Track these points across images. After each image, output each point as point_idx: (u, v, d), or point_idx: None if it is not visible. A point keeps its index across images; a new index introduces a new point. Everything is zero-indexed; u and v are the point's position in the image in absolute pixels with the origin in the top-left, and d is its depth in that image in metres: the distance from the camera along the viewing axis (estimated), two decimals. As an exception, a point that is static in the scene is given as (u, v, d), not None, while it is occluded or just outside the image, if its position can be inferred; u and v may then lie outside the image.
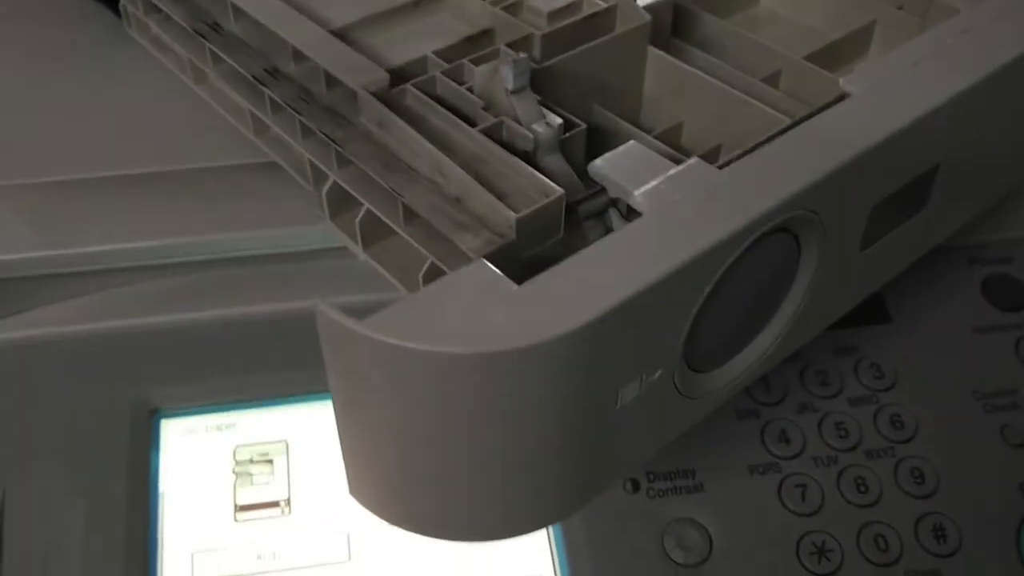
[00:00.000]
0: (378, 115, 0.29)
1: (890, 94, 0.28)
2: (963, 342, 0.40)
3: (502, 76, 0.29)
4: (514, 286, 0.21)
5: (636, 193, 0.25)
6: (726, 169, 0.25)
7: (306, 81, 0.32)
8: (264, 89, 0.32)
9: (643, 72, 0.35)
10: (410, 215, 0.28)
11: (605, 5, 0.35)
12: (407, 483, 0.24)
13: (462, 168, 0.27)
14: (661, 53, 0.34)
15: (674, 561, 0.34)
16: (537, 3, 0.35)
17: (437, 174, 0.28)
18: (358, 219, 0.31)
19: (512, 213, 0.25)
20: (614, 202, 0.29)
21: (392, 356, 0.20)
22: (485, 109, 0.30)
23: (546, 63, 0.32)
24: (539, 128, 0.29)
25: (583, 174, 0.29)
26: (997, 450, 0.37)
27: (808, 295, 0.29)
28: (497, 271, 0.21)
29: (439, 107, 0.29)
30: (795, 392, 0.38)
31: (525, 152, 0.29)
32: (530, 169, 0.27)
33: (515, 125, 0.29)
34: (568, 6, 0.35)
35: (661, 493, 0.35)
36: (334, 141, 0.29)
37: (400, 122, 0.29)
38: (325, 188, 0.32)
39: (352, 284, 0.34)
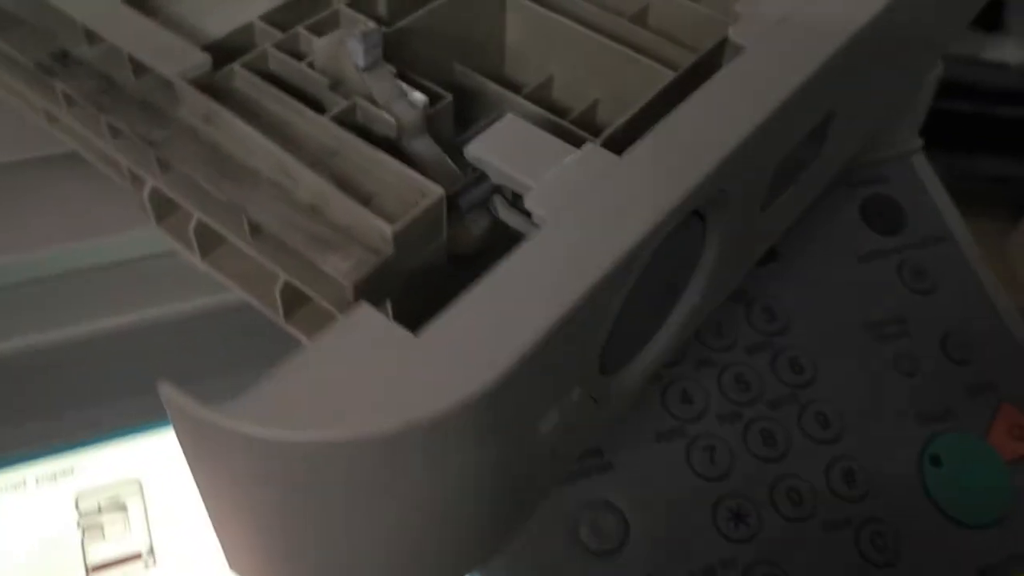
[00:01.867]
0: (203, 108, 0.24)
1: (785, 43, 0.25)
2: (849, 273, 0.39)
3: (350, 51, 0.24)
4: (410, 336, 0.17)
5: (529, 192, 0.21)
6: (627, 155, 0.22)
7: (106, 67, 0.26)
8: (53, 80, 0.26)
9: (504, 21, 0.31)
10: (257, 227, 0.24)
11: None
12: (296, 561, 0.20)
13: (312, 168, 0.23)
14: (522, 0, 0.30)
15: (590, 549, 0.32)
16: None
17: (283, 176, 0.23)
18: (192, 227, 0.26)
19: (386, 225, 0.21)
20: (497, 188, 0.25)
21: (270, 447, 0.16)
22: (332, 88, 0.25)
23: (398, 24, 0.27)
24: (401, 109, 0.25)
25: (453, 151, 0.25)
26: (894, 382, 0.37)
27: (716, 269, 0.26)
28: (387, 321, 0.18)
29: (276, 90, 0.25)
30: (692, 348, 0.36)
31: (386, 138, 0.25)
32: (399, 164, 0.23)
33: (371, 108, 0.24)
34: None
35: (570, 478, 0.32)
36: (151, 143, 0.24)
37: (231, 116, 0.24)
38: (146, 192, 0.27)
39: (200, 285, 0.29)
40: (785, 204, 0.29)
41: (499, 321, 0.18)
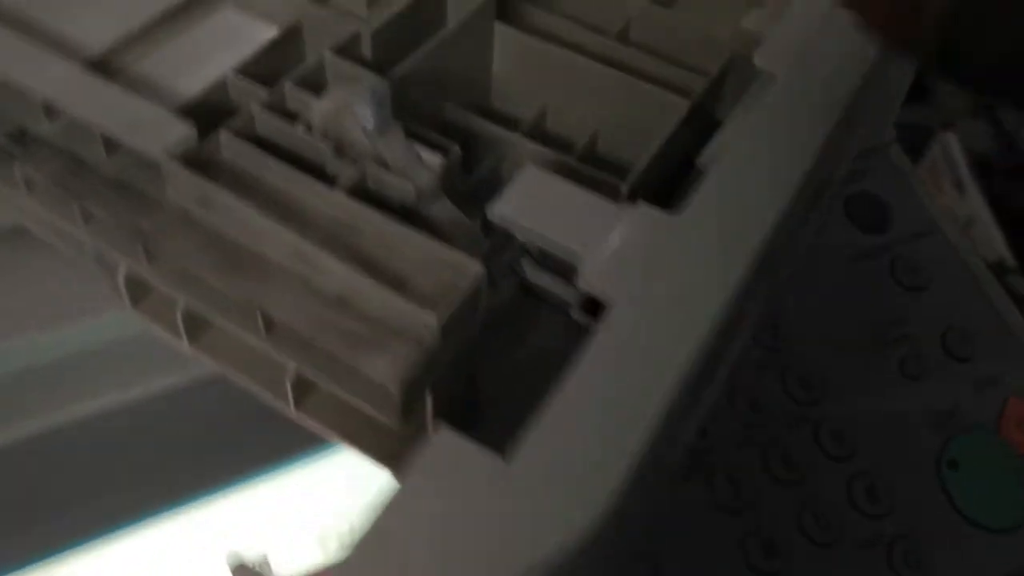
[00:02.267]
0: (197, 190, 0.21)
1: (816, 71, 0.24)
2: (842, 276, 0.38)
3: (358, 114, 0.22)
4: (503, 466, 0.15)
5: (583, 266, 0.19)
6: (683, 216, 0.20)
7: (72, 144, 0.23)
8: (12, 164, 0.23)
9: (492, 52, 0.29)
10: (271, 321, 0.21)
11: (433, -26, 0.28)
12: None
13: (334, 252, 0.20)
14: (511, 29, 0.28)
15: None
16: (347, -19, 0.28)
17: (302, 264, 0.21)
18: (179, 313, 0.24)
19: (431, 314, 0.19)
20: (525, 248, 0.23)
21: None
22: (337, 154, 0.22)
23: (395, 72, 0.25)
24: (416, 172, 0.22)
25: (460, 199, 0.23)
26: (902, 387, 0.36)
27: (755, 315, 0.25)
28: (475, 448, 0.15)
29: (277, 162, 0.22)
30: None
31: (401, 206, 0.22)
32: (429, 239, 0.21)
33: (384, 174, 0.22)
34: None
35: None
36: (140, 233, 0.21)
37: (233, 198, 0.21)
38: (121, 276, 0.24)
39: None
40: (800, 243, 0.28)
41: (594, 439, 0.16)
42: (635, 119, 0.27)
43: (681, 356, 0.17)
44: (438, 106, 0.27)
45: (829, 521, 0.33)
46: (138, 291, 0.25)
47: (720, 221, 0.20)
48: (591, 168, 0.25)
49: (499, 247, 0.23)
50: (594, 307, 0.24)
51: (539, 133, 0.29)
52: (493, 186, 0.27)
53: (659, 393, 0.17)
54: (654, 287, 0.18)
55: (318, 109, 0.22)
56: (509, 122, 0.29)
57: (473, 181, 0.26)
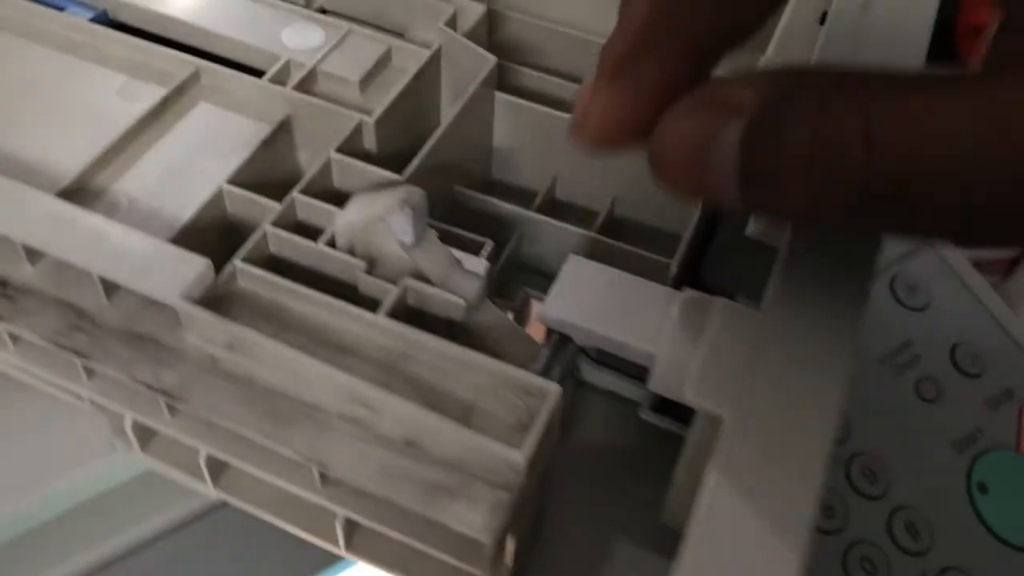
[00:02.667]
0: (224, 335, 0.19)
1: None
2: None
3: (394, 228, 0.20)
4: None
5: (687, 381, 0.17)
6: (766, 310, 0.18)
7: (64, 290, 0.20)
8: (-5, 321, 0.20)
9: (492, 123, 0.27)
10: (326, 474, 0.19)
11: (426, 52, 0.26)
12: None
13: (391, 388, 0.18)
14: (513, 99, 0.26)
15: None
16: (332, 68, 0.25)
17: (357, 406, 0.19)
18: (203, 458, 0.21)
19: (517, 453, 0.17)
20: (581, 348, 0.22)
21: None
22: (368, 272, 0.20)
23: (413, 167, 0.23)
24: (460, 282, 0.20)
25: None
26: (920, 412, 0.35)
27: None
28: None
29: (309, 291, 0.20)
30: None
31: (447, 320, 0.20)
32: (494, 362, 0.19)
33: (427, 289, 0.20)
34: (377, 62, 0.26)
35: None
36: (163, 392, 0.19)
37: (267, 340, 0.19)
38: (129, 424, 0.22)
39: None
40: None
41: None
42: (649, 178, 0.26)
43: (811, 472, 0.16)
44: (445, 189, 0.25)
45: (875, 564, 0.32)
46: (146, 435, 0.23)
47: (812, 313, 0.18)
48: (631, 247, 0.24)
49: (557, 351, 0.21)
50: (664, 405, 0.22)
51: (553, 207, 0.27)
52: (514, 265, 0.25)
53: (803, 523, 0.15)
54: (765, 398, 0.17)
55: (344, 223, 0.20)
56: (518, 195, 0.28)
57: (497, 270, 0.24)
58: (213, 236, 0.22)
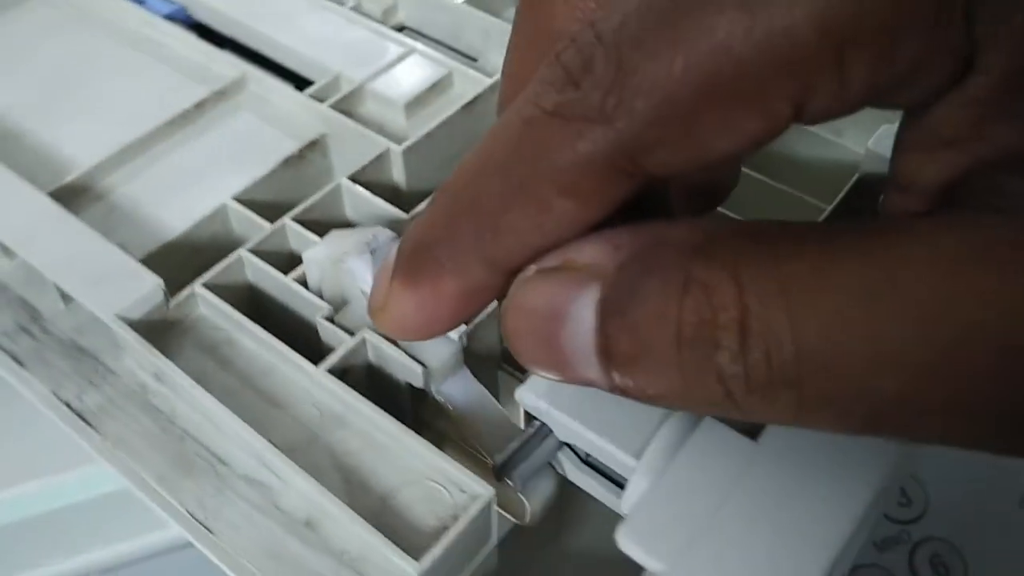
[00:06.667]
0: (151, 366, 0.17)
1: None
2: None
3: (352, 272, 0.17)
4: None
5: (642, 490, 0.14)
6: (762, 442, 0.14)
7: (28, 290, 0.19)
8: (-43, 312, 0.19)
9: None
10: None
11: (487, 80, 0.23)
12: None
13: (303, 455, 0.16)
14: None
15: None
16: (382, 87, 0.23)
17: (263, 470, 0.16)
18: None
19: (410, 564, 0.14)
20: (565, 443, 0.18)
21: None
22: (329, 319, 0.18)
23: (418, 211, 0.20)
24: (433, 346, 0.17)
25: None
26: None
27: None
28: None
29: (259, 329, 0.17)
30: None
31: (408, 386, 0.18)
32: (431, 450, 0.16)
33: (390, 351, 0.17)
34: (433, 86, 0.23)
35: None
36: (79, 415, 0.17)
37: (189, 382, 0.16)
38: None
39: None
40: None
41: None
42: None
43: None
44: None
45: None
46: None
47: (820, 457, 0.14)
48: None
49: (529, 441, 0.17)
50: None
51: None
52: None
53: None
54: (722, 561, 0.13)
55: (310, 258, 0.18)
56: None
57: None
58: (212, 253, 0.21)
